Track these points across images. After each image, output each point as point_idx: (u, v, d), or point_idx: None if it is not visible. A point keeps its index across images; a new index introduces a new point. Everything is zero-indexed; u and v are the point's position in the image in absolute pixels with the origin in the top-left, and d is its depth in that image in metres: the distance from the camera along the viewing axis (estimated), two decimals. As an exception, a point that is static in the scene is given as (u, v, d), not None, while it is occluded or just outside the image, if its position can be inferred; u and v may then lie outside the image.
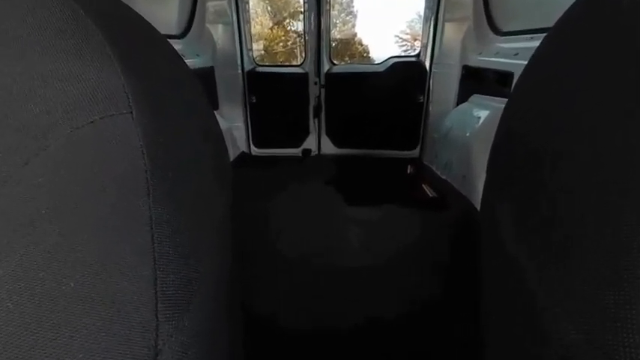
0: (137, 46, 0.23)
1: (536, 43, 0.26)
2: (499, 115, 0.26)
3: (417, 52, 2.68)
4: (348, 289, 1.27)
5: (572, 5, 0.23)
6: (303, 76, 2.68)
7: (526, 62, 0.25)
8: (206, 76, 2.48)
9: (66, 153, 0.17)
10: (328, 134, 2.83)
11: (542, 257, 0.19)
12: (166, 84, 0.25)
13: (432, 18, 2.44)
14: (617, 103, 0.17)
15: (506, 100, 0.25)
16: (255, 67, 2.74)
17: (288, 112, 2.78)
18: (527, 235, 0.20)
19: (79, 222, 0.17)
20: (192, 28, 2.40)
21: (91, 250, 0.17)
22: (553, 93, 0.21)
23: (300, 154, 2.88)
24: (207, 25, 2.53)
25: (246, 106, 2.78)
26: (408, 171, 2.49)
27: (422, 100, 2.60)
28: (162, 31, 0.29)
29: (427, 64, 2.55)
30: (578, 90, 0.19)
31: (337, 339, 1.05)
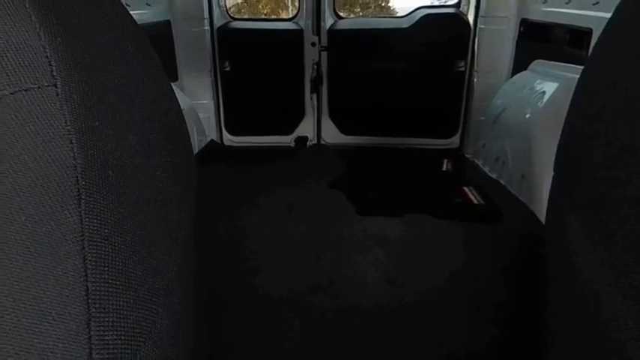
0: None
1: None
2: (572, 89, 0.26)
3: (455, 1, 2.69)
4: (361, 337, 1.27)
5: None
6: (297, 34, 2.68)
7: (610, 15, 0.25)
8: (160, 34, 2.48)
9: None
10: (332, 116, 2.83)
11: (630, 285, 0.19)
12: (104, 46, 0.25)
13: (479, -48, 2.45)
14: None
15: (582, 68, 0.25)
16: (228, 22, 2.74)
17: (274, 85, 2.77)
18: (609, 257, 0.20)
19: None
20: (139, -35, 2.40)
21: (1, 282, 0.17)
22: None
23: (293, 145, 2.88)
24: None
25: (216, 77, 2.78)
26: (444, 167, 2.51)
27: (463, 69, 2.60)
28: None
29: (471, 18, 2.56)
30: None
31: None
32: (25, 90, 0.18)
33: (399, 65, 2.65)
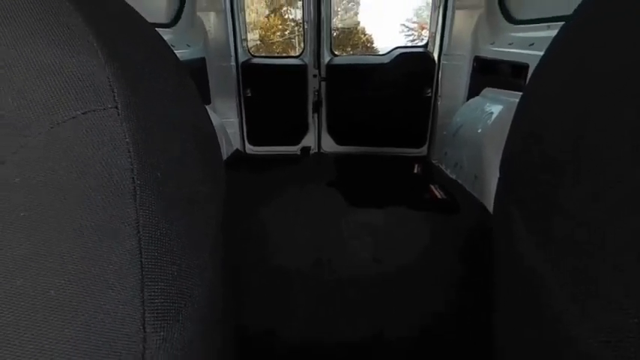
0: (123, 36, 0.23)
1: (554, 33, 0.26)
2: (513, 110, 0.26)
3: (424, 42, 2.69)
4: (354, 303, 1.27)
5: None
6: (302, 68, 2.69)
7: (542, 53, 0.26)
8: (197, 68, 2.48)
9: (45, 151, 0.17)
10: (329, 131, 2.84)
11: (567, 268, 0.19)
12: (155, 77, 0.25)
13: (442, 5, 2.44)
14: None
15: (521, 94, 0.25)
16: (250, 59, 2.74)
17: (285, 106, 2.78)
18: (546, 243, 0.20)
19: (58, 226, 0.17)
20: (182, 17, 2.41)
21: (72, 257, 0.17)
22: (577, 90, 0.21)
23: (299, 153, 2.89)
24: (199, 13, 2.54)
25: (240, 101, 2.79)
26: (416, 170, 2.50)
27: (430, 94, 2.60)
28: (151, 20, 0.29)
29: (435, 55, 2.56)
30: (609, 87, 0.19)
31: (342, 358, 1.05)
32: (94, 111, 0.18)
33: (381, 92, 2.65)
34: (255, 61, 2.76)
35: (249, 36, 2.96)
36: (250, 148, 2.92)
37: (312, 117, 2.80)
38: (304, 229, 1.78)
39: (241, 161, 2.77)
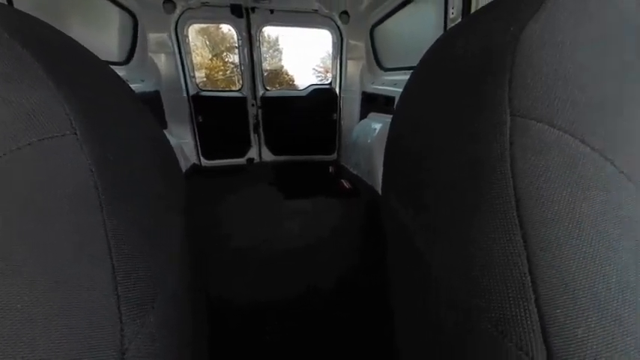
0: (77, 70, 0.19)
1: (407, 77, 0.27)
2: (388, 126, 0.28)
3: (329, 81, 2.80)
4: (291, 266, 1.27)
5: (426, 52, 0.26)
6: (242, 99, 2.58)
7: (401, 89, 0.27)
8: (152, 99, 2.19)
9: (3, 175, 0.13)
10: (267, 145, 2.78)
11: (430, 231, 0.19)
12: (111, 104, 0.21)
13: (338, 57, 2.57)
14: (456, 124, 0.18)
15: (391, 115, 0.27)
16: (199, 92, 2.53)
17: (231, 128, 2.64)
18: (415, 214, 0.20)
19: (23, 243, 0.13)
20: (134, 56, 2.10)
21: (40, 268, 0.13)
22: (417, 113, 0.23)
23: (245, 163, 2.76)
24: (151, 54, 2.24)
25: (193, 125, 2.55)
26: (330, 170, 2.60)
27: (335, 118, 2.74)
28: (105, 59, 0.24)
29: (337, 91, 2.69)
30: (433, 112, 0.21)
31: (287, 305, 1.04)
32: (51, 137, 0.15)
33: (302, 115, 2.69)
34: (204, 94, 2.55)
35: (197, 74, 2.71)
36: (205, 162, 2.69)
37: (254, 135, 2.72)
38: (253, 218, 1.73)
39: (199, 173, 2.54)
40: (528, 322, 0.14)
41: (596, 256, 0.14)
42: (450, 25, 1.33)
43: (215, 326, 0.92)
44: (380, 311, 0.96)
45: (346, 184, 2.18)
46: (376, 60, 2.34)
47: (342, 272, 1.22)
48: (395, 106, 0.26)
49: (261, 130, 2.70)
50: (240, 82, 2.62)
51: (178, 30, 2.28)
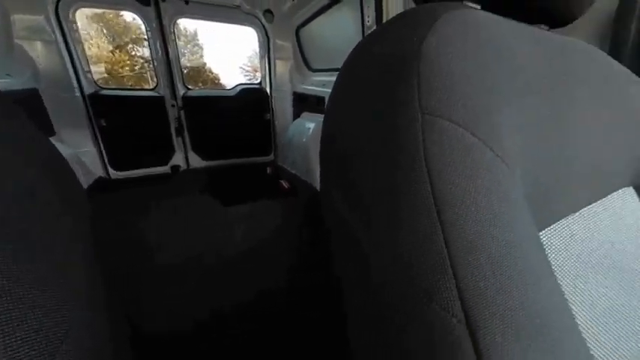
0: None
1: (334, 78, 0.28)
2: (321, 125, 0.29)
3: (258, 80, 2.69)
4: (239, 273, 1.18)
5: (348, 56, 0.27)
6: (159, 100, 2.23)
7: (330, 90, 0.28)
8: (28, 99, 1.69)
9: None
10: (195, 150, 2.49)
11: (364, 220, 0.20)
12: None
13: (266, 56, 2.51)
14: (378, 123, 0.20)
15: (323, 115, 0.27)
16: (98, 90, 2.05)
17: (148, 133, 2.24)
18: (350, 207, 0.21)
19: None
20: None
21: None
22: (344, 115, 0.24)
23: (170, 171, 2.42)
24: (18, 42, 1.72)
25: (94, 130, 2.08)
26: (268, 171, 2.52)
27: (268, 118, 2.65)
28: None
29: (268, 90, 2.62)
30: (357, 114, 0.22)
31: (244, 309, 0.98)
32: None
33: (233, 116, 2.51)
34: (105, 92, 2.09)
35: (94, 68, 2.23)
36: (115, 174, 2.22)
37: (177, 139, 2.39)
38: (187, 229, 1.52)
39: (107, 187, 2.09)
40: (448, 286, 0.16)
41: (488, 224, 0.17)
42: (367, 31, 1.46)
43: (159, 343, 0.80)
44: (333, 303, 0.99)
45: (285, 184, 2.15)
46: (304, 61, 2.39)
47: (292, 271, 1.21)
48: (325, 107, 0.27)
49: (185, 133, 2.40)
50: (155, 79, 2.28)
51: (60, 13, 1.79)
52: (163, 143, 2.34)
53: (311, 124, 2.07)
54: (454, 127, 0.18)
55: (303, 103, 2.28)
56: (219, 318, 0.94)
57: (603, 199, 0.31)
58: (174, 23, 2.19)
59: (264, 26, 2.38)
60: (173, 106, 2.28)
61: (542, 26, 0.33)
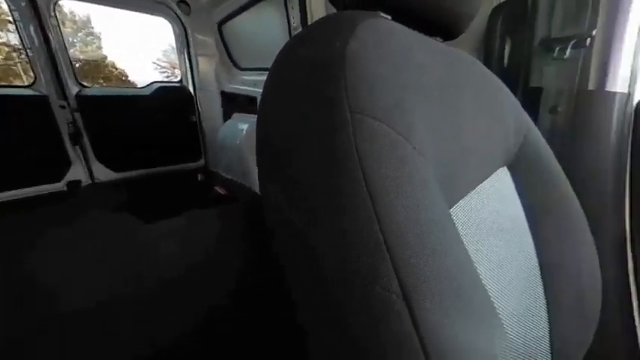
0: None
1: (265, 78, 0.28)
2: (255, 126, 0.28)
3: (178, 78, 2.42)
4: (184, 292, 1.04)
5: (277, 56, 0.27)
6: (42, 100, 1.76)
7: (261, 90, 0.28)
8: None
9: None
10: (101, 160, 2.07)
11: (308, 215, 0.21)
12: None
13: (185, 51, 2.27)
14: (311, 123, 0.21)
15: (256, 116, 0.27)
16: None
17: (29, 142, 1.75)
18: (292, 205, 0.22)
19: None
20: None
21: None
22: (277, 115, 0.25)
23: (66, 189, 1.95)
24: None
25: None
26: (199, 178, 2.30)
27: (194, 120, 2.41)
28: None
29: (192, 89, 2.38)
30: (290, 115, 0.23)
31: (197, 328, 0.87)
32: None
33: (149, 119, 2.18)
34: None
35: None
36: None
37: (73, 149, 1.93)
38: (96, 258, 1.25)
39: None
40: (386, 267, 0.18)
41: (413, 208, 0.20)
42: (294, 32, 1.48)
43: None
44: (287, 304, 0.99)
45: (221, 190, 2.03)
46: (230, 58, 2.26)
47: (241, 280, 1.14)
48: (258, 107, 0.27)
49: (85, 140, 1.97)
50: (32, 74, 1.79)
51: None
52: (54, 154, 1.86)
53: (244, 125, 1.98)
54: (380, 124, 0.20)
55: (234, 103, 2.17)
56: (165, 352, 0.82)
57: (489, 177, 0.39)
58: (55, 4, 1.76)
59: (179, 18, 2.14)
60: (63, 107, 1.83)
61: (438, 38, 0.39)
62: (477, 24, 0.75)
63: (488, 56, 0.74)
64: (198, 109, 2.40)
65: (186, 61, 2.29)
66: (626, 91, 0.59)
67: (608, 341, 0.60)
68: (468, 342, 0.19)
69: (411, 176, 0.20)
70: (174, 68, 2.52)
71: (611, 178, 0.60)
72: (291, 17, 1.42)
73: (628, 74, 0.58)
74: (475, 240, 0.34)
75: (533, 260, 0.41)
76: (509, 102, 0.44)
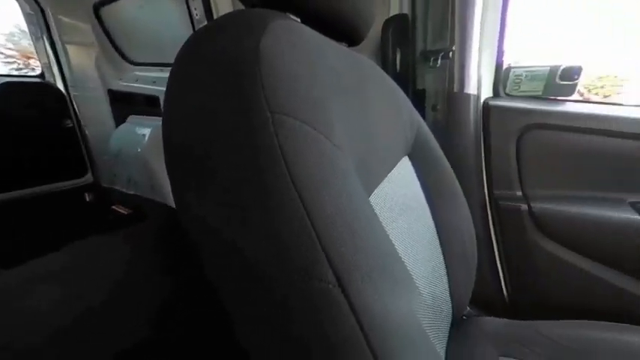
0: None
1: (167, 74, 0.26)
2: (160, 130, 0.25)
3: (37, 72, 1.85)
4: (94, 338, 0.81)
5: (180, 50, 0.25)
6: None
7: (164, 88, 0.25)
8: None
9: None
10: None
11: (236, 218, 0.20)
12: None
13: (45, 37, 1.75)
14: (229, 123, 0.21)
15: (160, 117, 0.24)
16: None
17: None
18: (217, 210, 0.21)
19: None
20: None
21: None
22: (187, 114, 0.23)
23: None
24: None
25: None
26: (87, 199, 1.84)
27: (71, 125, 1.90)
28: None
29: (61, 87, 1.86)
30: (202, 114, 0.22)
31: None
32: None
33: (3, 128, 1.60)
34: None
35: None
36: None
37: None
38: None
39: None
40: (320, 259, 0.19)
41: (338, 200, 0.21)
42: (198, 25, 1.35)
43: None
44: (222, 321, 0.91)
45: (122, 210, 1.69)
46: (117, 50, 1.88)
47: (166, 305, 0.98)
48: (162, 107, 0.25)
49: None
50: None
51: None
52: None
53: (145, 130, 1.70)
54: (301, 125, 0.21)
55: (128, 104, 1.83)
56: None
57: (396, 166, 0.46)
58: None
59: (30, -7, 1.63)
60: None
61: (344, 44, 0.43)
62: (375, 33, 0.86)
63: (384, 61, 0.86)
64: (74, 112, 1.90)
65: (48, 49, 1.77)
66: (476, 92, 0.79)
67: (482, 279, 0.80)
68: (394, 309, 0.22)
69: (333, 169, 0.22)
70: (29, 59, 1.92)
71: (472, 161, 0.80)
72: (192, 8, 1.29)
73: (476, 79, 0.78)
74: (391, 220, 0.39)
75: (432, 228, 0.51)
76: (404, 101, 0.53)
